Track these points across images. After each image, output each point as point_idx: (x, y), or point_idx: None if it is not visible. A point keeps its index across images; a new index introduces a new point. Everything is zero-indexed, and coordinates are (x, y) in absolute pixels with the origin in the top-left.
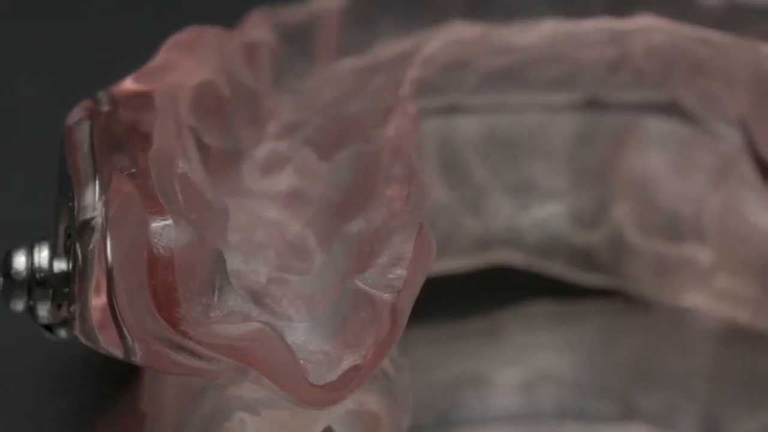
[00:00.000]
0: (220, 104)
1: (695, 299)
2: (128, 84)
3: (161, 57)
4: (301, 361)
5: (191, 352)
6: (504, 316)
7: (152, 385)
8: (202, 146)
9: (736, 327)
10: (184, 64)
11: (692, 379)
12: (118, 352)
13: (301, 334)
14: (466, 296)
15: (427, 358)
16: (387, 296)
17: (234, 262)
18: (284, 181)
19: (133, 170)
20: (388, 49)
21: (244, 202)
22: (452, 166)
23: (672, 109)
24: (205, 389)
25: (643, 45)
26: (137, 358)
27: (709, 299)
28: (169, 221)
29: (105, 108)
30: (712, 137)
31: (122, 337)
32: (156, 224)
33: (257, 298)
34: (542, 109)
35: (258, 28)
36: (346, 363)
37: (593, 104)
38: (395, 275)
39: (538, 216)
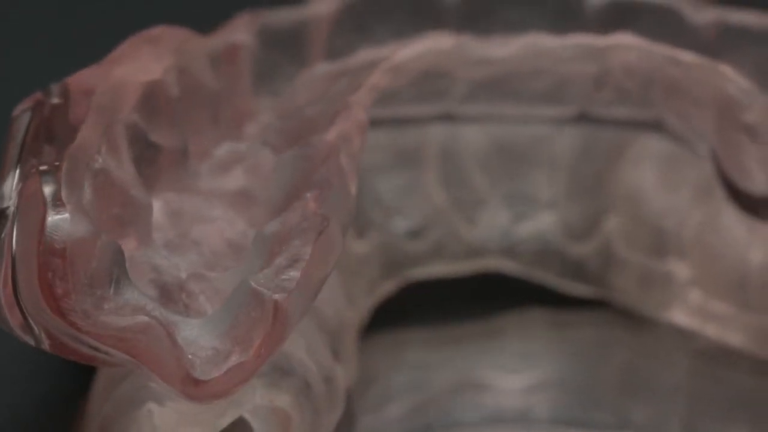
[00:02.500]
0: (169, 103)
1: (674, 314)
2: (80, 78)
3: (118, 53)
4: (190, 356)
5: (83, 343)
6: (499, 322)
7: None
8: (148, 144)
9: (711, 343)
10: (137, 62)
11: (674, 393)
12: (30, 340)
13: (195, 330)
14: (462, 301)
15: (421, 360)
16: (276, 296)
17: (156, 256)
18: (235, 180)
19: (57, 163)
20: (363, 55)
21: (192, 200)
22: (452, 173)
23: (659, 126)
24: (126, 377)
25: (620, 63)
26: (46, 346)
27: (685, 314)
28: (67, 215)
29: (54, 100)
30: (696, 155)
31: (29, 325)
32: (56, 217)
33: (169, 292)
34: (545, 121)
35: (238, 31)
36: (233, 360)
37: (586, 119)
38: (288, 276)
39: (532, 227)
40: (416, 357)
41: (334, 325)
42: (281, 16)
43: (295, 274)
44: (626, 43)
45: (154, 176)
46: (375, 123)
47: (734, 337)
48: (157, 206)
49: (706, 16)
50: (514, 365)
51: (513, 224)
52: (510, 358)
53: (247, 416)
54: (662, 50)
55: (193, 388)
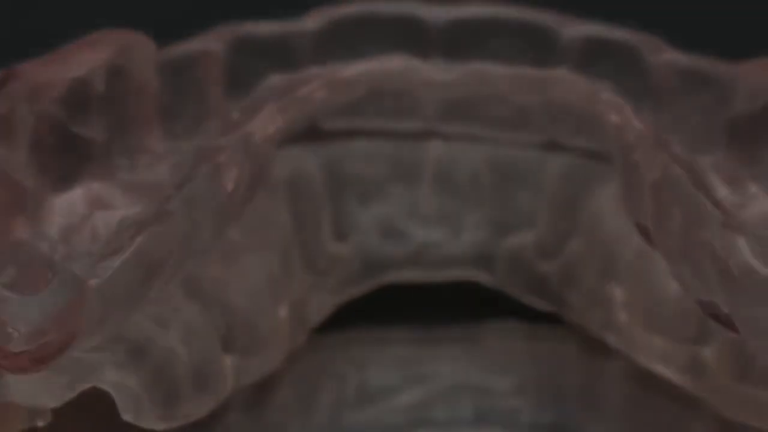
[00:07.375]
0: (97, 99)
1: (609, 336)
2: (22, 69)
3: (64, 49)
4: (10, 330)
5: None
6: (477, 329)
7: None
8: (69, 135)
9: (640, 368)
10: (76, 59)
11: (615, 414)
12: None
13: (24, 307)
14: (446, 305)
15: (401, 359)
16: (90, 282)
17: (39, 239)
18: (157, 174)
19: None
20: (316, 70)
21: (112, 190)
22: (444, 186)
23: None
24: None
25: (558, 96)
26: None
27: (616, 337)
28: None
29: None
30: None
31: None
32: None
33: (30, 272)
34: (536, 145)
35: (211, 39)
36: (47, 338)
37: (557, 147)
38: (106, 265)
39: (510, 243)
40: (398, 356)
41: (243, 319)
42: (267, 29)
43: (112, 263)
44: (559, 77)
45: (78, 165)
46: (372, 134)
47: (652, 363)
48: (79, 193)
49: (660, 58)
50: (488, 371)
51: (493, 239)
52: (484, 364)
53: (107, 388)
54: (587, 87)
55: (4, 360)
